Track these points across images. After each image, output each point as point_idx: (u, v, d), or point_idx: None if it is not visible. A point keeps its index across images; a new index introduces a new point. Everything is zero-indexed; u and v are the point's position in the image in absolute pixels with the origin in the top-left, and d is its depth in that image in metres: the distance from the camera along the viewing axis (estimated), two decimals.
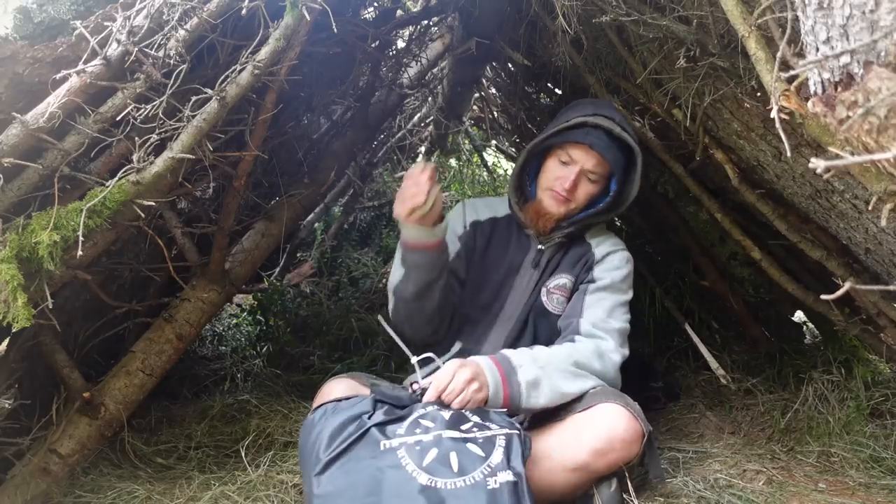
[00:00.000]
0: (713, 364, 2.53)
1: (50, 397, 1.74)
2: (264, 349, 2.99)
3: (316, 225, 4.31)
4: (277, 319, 3.10)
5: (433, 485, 1.21)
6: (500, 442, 1.31)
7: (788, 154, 0.88)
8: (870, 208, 0.87)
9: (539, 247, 1.85)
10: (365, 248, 4.36)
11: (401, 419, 1.36)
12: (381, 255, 4.13)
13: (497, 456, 1.28)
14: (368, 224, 4.59)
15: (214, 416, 2.17)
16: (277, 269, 3.69)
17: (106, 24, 1.49)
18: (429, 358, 1.51)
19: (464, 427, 1.33)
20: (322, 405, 1.46)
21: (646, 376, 2.46)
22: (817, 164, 0.73)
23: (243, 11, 1.52)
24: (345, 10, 2.23)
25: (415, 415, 1.37)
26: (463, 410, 1.41)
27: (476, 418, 1.38)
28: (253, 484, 1.68)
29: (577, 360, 1.62)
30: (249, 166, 1.94)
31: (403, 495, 1.20)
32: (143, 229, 1.76)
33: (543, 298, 1.82)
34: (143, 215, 1.56)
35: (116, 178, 1.49)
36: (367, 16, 2.66)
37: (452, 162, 5.44)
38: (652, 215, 2.89)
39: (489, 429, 1.35)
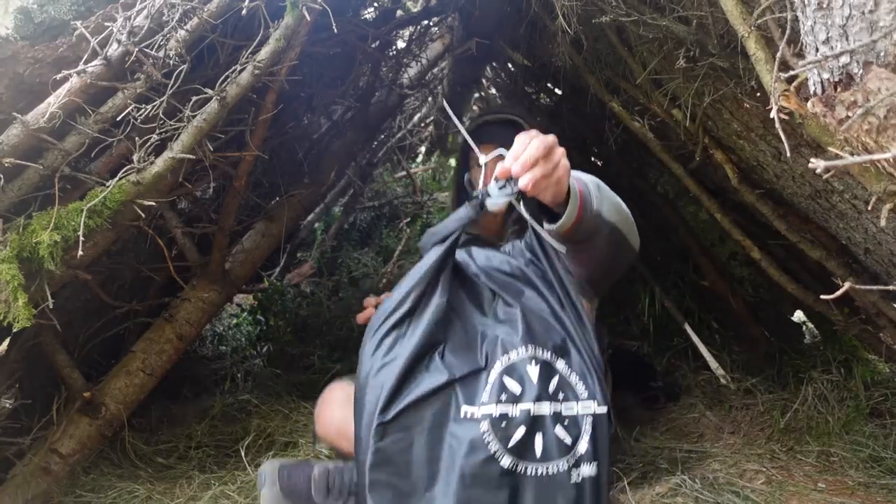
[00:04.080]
0: (713, 364, 2.53)
1: (50, 397, 1.74)
2: (264, 349, 2.99)
3: (316, 225, 4.32)
4: (278, 319, 3.10)
5: (516, 469, 1.06)
6: (587, 425, 1.13)
7: (788, 154, 0.88)
8: (869, 208, 0.87)
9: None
10: (365, 248, 4.36)
11: (476, 374, 1.13)
12: (381, 255, 4.13)
13: (583, 444, 1.11)
14: (368, 224, 4.59)
15: (215, 416, 2.18)
16: (278, 269, 3.69)
17: (106, 24, 1.49)
18: (500, 155, 1.13)
19: (551, 388, 1.13)
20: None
21: (646, 376, 2.46)
22: (817, 164, 0.73)
23: (243, 12, 1.52)
24: (345, 11, 2.23)
25: (497, 368, 1.13)
26: (542, 269, 1.24)
27: (562, 365, 1.15)
28: (253, 483, 1.68)
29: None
30: (250, 166, 1.94)
31: (483, 477, 1.05)
32: (144, 229, 1.76)
33: None
34: (143, 215, 1.56)
35: (117, 179, 1.49)
36: (367, 16, 2.66)
37: (452, 161, 5.44)
38: (652, 215, 2.89)
39: (576, 396, 1.14)
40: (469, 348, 1.14)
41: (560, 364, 1.15)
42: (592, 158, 3.07)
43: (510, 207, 1.29)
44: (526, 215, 1.11)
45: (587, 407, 1.14)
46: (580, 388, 1.15)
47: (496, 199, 1.08)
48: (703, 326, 2.80)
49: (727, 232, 2.18)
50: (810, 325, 2.85)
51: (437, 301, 1.13)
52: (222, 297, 2.13)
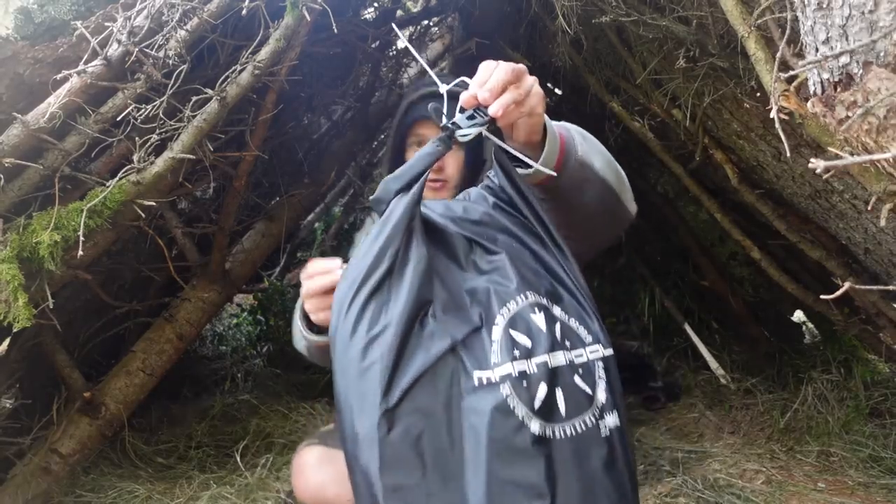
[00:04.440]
0: (713, 364, 2.53)
1: (51, 397, 1.74)
2: (264, 349, 3.00)
3: (316, 225, 4.31)
4: (278, 319, 3.10)
5: (545, 434, 0.88)
6: (600, 371, 0.99)
7: (788, 154, 0.88)
8: (869, 208, 0.87)
9: None
10: None
11: (476, 333, 0.94)
12: None
13: (601, 392, 0.96)
14: None
15: (215, 416, 2.18)
16: (278, 269, 3.69)
17: (106, 24, 1.49)
18: (462, 82, 1.04)
19: (558, 335, 0.96)
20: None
21: (646, 376, 2.47)
22: (817, 164, 0.73)
23: (243, 12, 1.52)
24: (345, 11, 2.23)
25: (500, 323, 0.96)
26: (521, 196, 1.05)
27: (558, 311, 1.00)
28: (251, 487, 1.69)
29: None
30: (250, 166, 1.94)
31: (516, 451, 0.86)
32: (144, 229, 1.76)
33: None
34: (143, 215, 1.56)
35: (117, 179, 1.49)
36: (367, 16, 2.66)
37: None
38: (652, 215, 2.89)
39: (581, 342, 0.99)
40: (459, 307, 0.97)
41: (557, 310, 1.00)
42: None
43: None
44: (497, 142, 1.02)
45: (595, 351, 1.01)
46: (582, 332, 1.02)
47: (466, 130, 0.96)
48: (703, 326, 2.80)
49: (727, 232, 2.18)
50: (810, 325, 2.85)
51: (417, 252, 0.96)
52: (222, 297, 2.13)
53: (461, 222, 1.07)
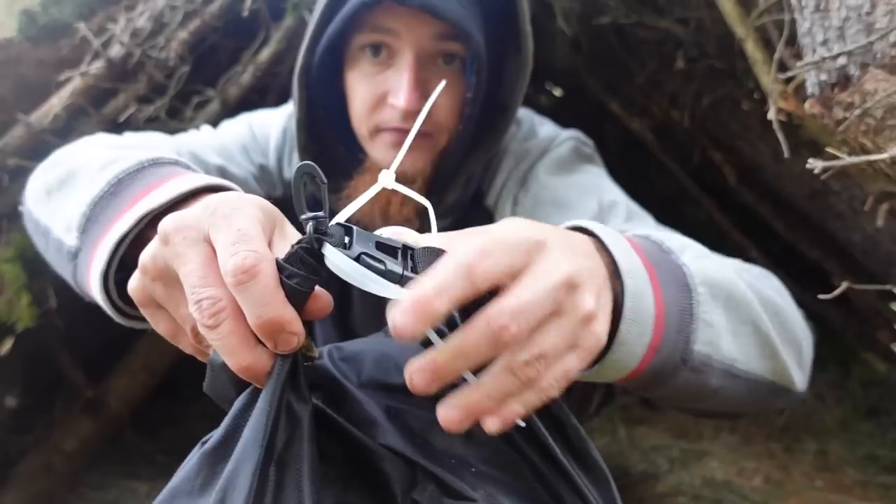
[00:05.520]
0: None
1: (53, 396, 1.75)
2: None
3: None
4: None
5: None
6: None
7: (787, 155, 0.89)
8: (866, 209, 0.88)
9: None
10: None
11: None
12: None
13: None
14: None
15: (216, 416, 2.18)
16: None
17: (109, 25, 1.50)
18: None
19: None
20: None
21: None
22: (815, 164, 0.74)
23: (245, 13, 1.53)
24: None
25: None
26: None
27: None
28: None
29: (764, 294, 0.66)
30: None
31: None
32: None
33: None
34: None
35: None
36: None
37: None
38: (651, 215, 2.90)
39: None
40: None
41: None
42: None
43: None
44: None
45: None
46: None
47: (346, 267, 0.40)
48: None
49: (726, 232, 2.19)
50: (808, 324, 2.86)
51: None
52: None
53: (404, 415, 0.50)
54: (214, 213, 0.43)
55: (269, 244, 0.45)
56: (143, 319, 0.54)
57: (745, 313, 0.60)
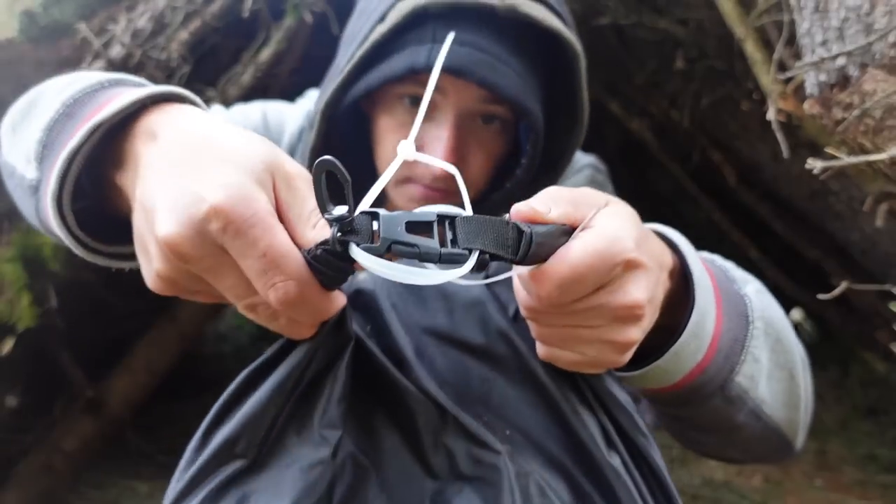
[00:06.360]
0: None
1: (54, 396, 1.75)
2: (266, 349, 3.00)
3: None
4: None
5: None
6: None
7: (786, 155, 0.89)
8: (865, 209, 0.88)
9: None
10: None
11: None
12: None
13: None
14: None
15: None
16: None
17: (109, 26, 1.50)
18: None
19: None
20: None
21: None
22: (814, 164, 0.75)
23: (245, 13, 1.53)
24: (347, 13, 2.24)
25: None
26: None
27: None
28: None
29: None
30: None
31: None
32: None
33: None
34: None
35: None
36: None
37: None
38: (651, 215, 2.90)
39: None
40: None
41: None
42: None
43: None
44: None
45: None
46: None
47: (375, 265, 0.39)
48: None
49: (726, 232, 2.19)
50: (808, 324, 2.86)
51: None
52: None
53: (447, 349, 0.52)
54: (226, 230, 0.39)
55: (277, 203, 0.43)
56: (109, 256, 0.55)
57: (785, 360, 0.63)
